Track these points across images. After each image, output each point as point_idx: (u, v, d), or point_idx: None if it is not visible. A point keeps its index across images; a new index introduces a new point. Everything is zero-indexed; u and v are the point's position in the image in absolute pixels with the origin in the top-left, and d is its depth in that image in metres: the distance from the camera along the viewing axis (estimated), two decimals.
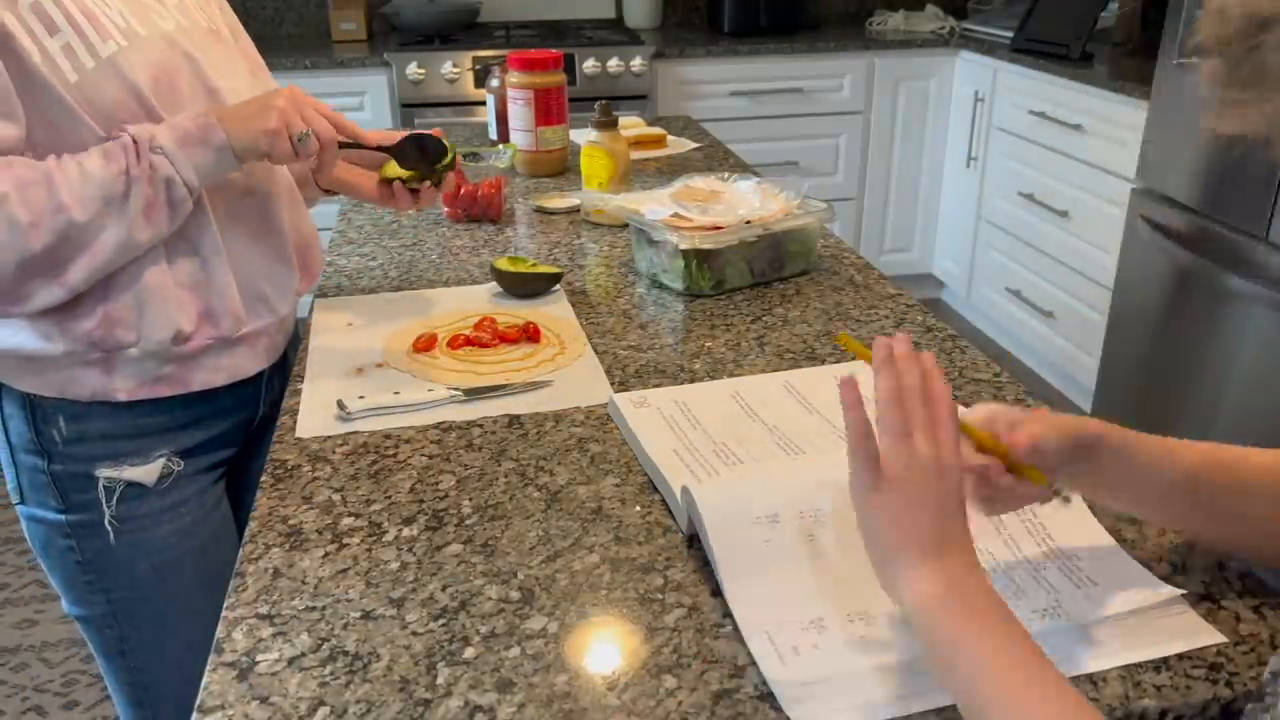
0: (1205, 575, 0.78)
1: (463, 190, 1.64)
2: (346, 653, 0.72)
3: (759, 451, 0.96)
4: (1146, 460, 0.74)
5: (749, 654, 0.71)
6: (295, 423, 1.04)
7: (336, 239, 1.59)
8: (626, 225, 1.50)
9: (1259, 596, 0.76)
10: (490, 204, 1.64)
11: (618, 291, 1.37)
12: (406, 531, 0.86)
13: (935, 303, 3.85)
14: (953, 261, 3.68)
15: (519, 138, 1.90)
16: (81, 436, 1.09)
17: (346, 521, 0.88)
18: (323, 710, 0.67)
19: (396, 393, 1.08)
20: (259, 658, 0.72)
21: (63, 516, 1.11)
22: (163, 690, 1.21)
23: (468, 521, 0.87)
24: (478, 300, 1.34)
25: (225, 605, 0.78)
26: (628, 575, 0.80)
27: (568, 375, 1.13)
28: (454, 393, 1.08)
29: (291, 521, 0.88)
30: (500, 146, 2.02)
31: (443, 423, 1.03)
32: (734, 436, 0.98)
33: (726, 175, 1.50)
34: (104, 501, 1.11)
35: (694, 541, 0.83)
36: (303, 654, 0.72)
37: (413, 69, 3.19)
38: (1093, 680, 0.68)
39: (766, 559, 0.78)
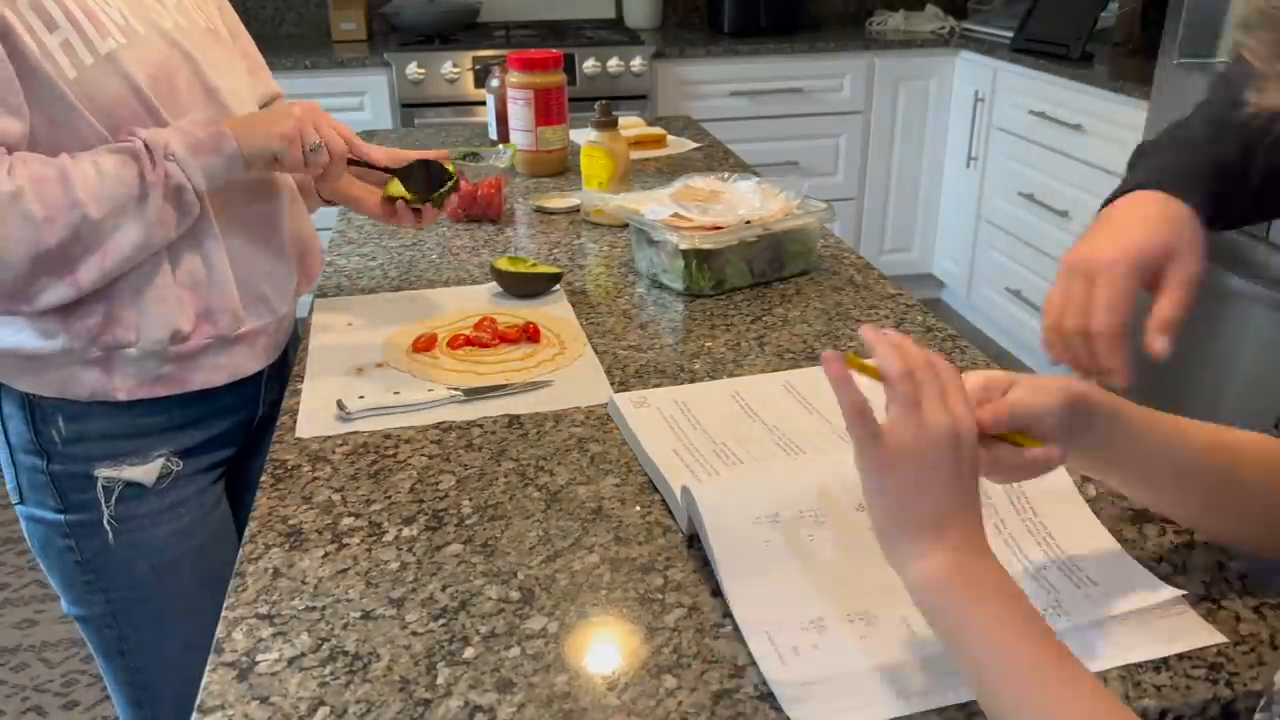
0: (1205, 575, 0.78)
1: (463, 190, 1.64)
2: (346, 653, 0.72)
3: (759, 451, 0.96)
4: (1155, 435, 0.72)
5: (749, 654, 0.71)
6: (295, 423, 1.04)
7: (336, 239, 1.59)
8: (626, 225, 1.50)
9: (1259, 596, 0.76)
10: (490, 204, 1.64)
11: (618, 291, 1.37)
12: (406, 531, 0.86)
13: (935, 303, 3.85)
14: (953, 261, 3.68)
15: (519, 138, 1.90)
16: (80, 436, 1.09)
17: (346, 521, 0.88)
18: (323, 710, 0.67)
19: (396, 393, 1.08)
20: (259, 658, 0.72)
21: (62, 516, 1.11)
22: (162, 690, 1.21)
23: (468, 521, 0.87)
24: (478, 300, 1.34)
25: (225, 605, 0.78)
26: (628, 575, 0.80)
27: (568, 375, 1.13)
28: (454, 393, 1.08)
29: (291, 521, 0.88)
30: (500, 146, 2.02)
31: (443, 423, 1.03)
32: (734, 436, 0.98)
33: (726, 175, 1.50)
34: (103, 501, 1.11)
35: (694, 541, 0.83)
36: (303, 654, 0.72)
37: (413, 69, 3.19)
38: None
39: (766, 559, 0.78)
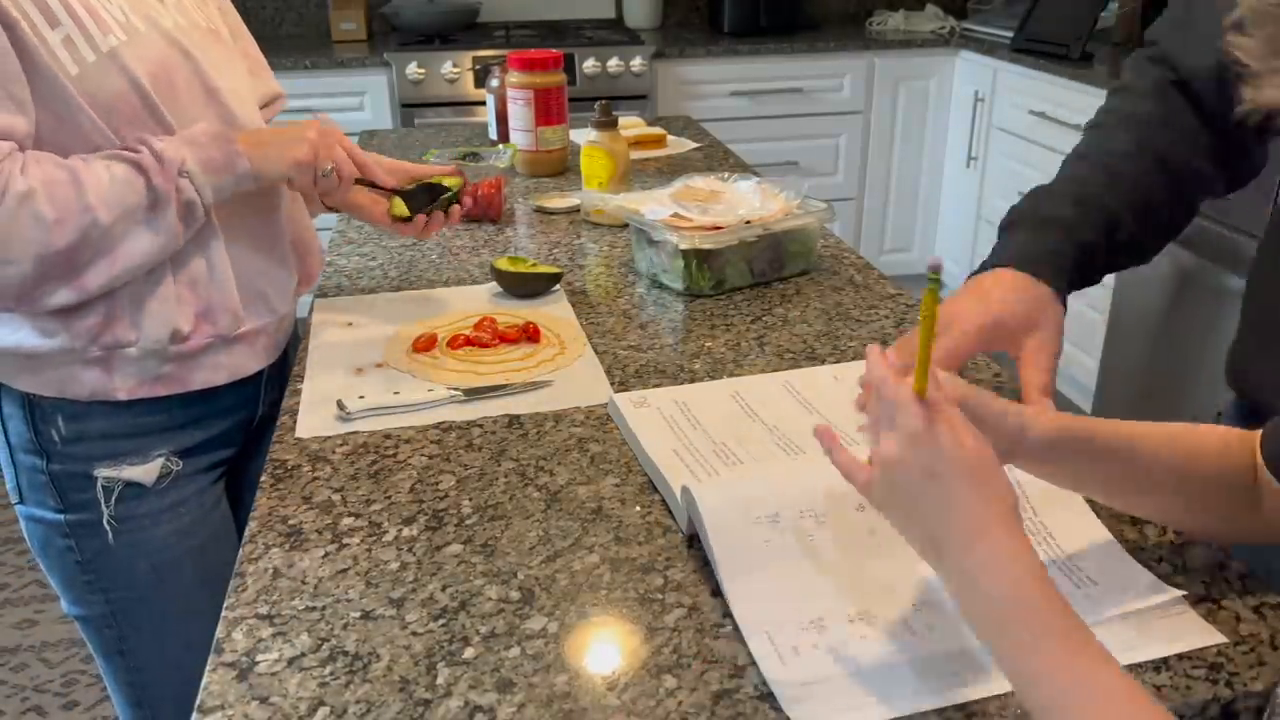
0: (1205, 575, 0.78)
1: (463, 190, 1.64)
2: (346, 653, 0.72)
3: (759, 451, 0.96)
4: (1116, 448, 0.73)
5: (749, 654, 0.71)
6: (295, 423, 1.04)
7: (336, 239, 1.59)
8: (626, 225, 1.50)
9: (1259, 596, 0.76)
10: (490, 204, 1.64)
11: (618, 291, 1.37)
12: (406, 531, 0.86)
13: None
14: (953, 261, 3.68)
15: (519, 138, 1.90)
16: (80, 436, 1.09)
17: (346, 521, 0.88)
18: (323, 710, 0.67)
19: (396, 393, 1.08)
20: (259, 658, 0.72)
21: (61, 516, 1.11)
22: (162, 690, 1.21)
23: (468, 521, 0.87)
24: (478, 300, 1.34)
25: (225, 605, 0.78)
26: (628, 575, 0.80)
27: (568, 375, 1.13)
28: (454, 393, 1.08)
29: (291, 521, 0.88)
30: (500, 146, 2.02)
31: (443, 423, 1.03)
32: (734, 436, 0.98)
33: (726, 175, 1.49)
34: (103, 501, 1.11)
35: (694, 541, 0.83)
36: (303, 654, 0.72)
37: (413, 69, 3.19)
38: None
39: (766, 559, 0.78)
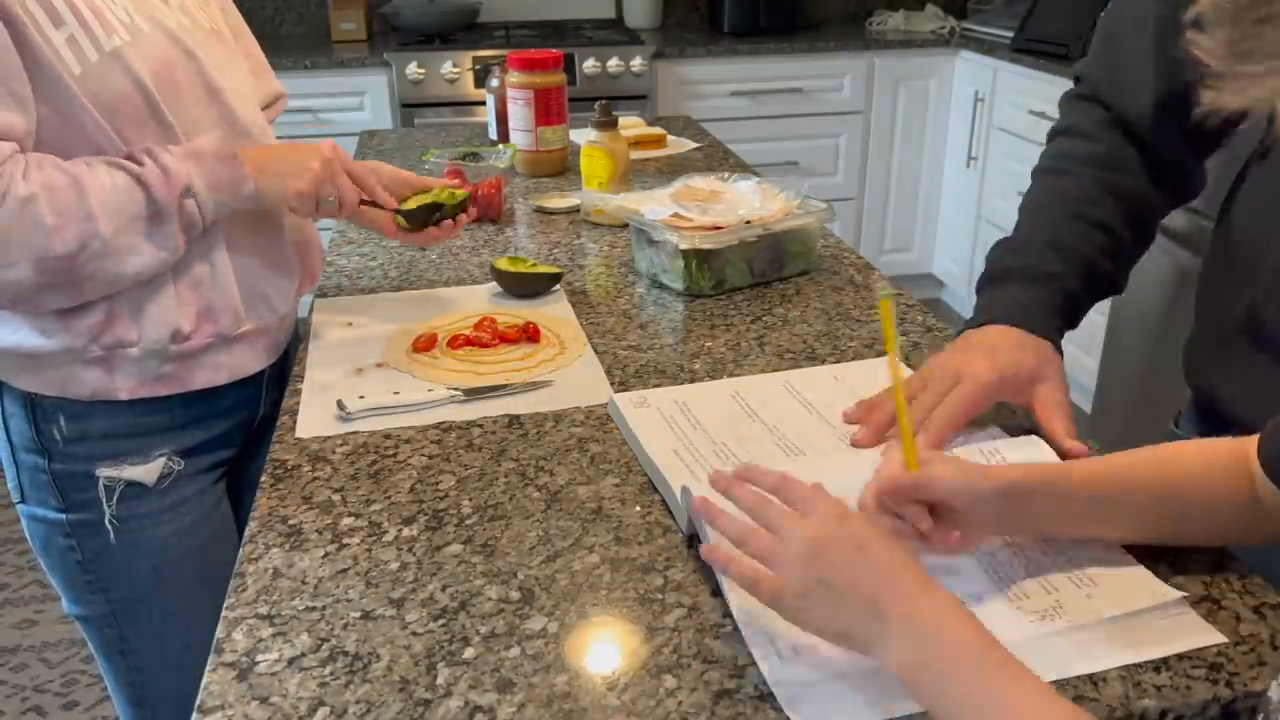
0: (1205, 575, 0.78)
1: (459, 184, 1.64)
2: (346, 653, 0.72)
3: (759, 452, 0.96)
4: (1091, 491, 0.77)
5: (749, 654, 0.71)
6: (295, 423, 1.04)
7: (336, 239, 1.59)
8: (626, 225, 1.50)
9: (1259, 596, 0.76)
10: (490, 204, 1.64)
11: (618, 291, 1.37)
12: (406, 531, 0.86)
13: (935, 303, 3.85)
14: (953, 261, 3.68)
15: (519, 138, 1.90)
16: (82, 435, 1.09)
17: (346, 521, 0.88)
18: (323, 710, 0.67)
19: (396, 393, 1.08)
20: (259, 658, 0.72)
21: (63, 516, 1.12)
22: (162, 690, 1.21)
23: (468, 521, 0.87)
24: (478, 300, 1.34)
25: (225, 605, 0.78)
26: (628, 575, 0.80)
27: (568, 375, 1.13)
28: (454, 393, 1.08)
29: (291, 521, 0.88)
30: (500, 146, 2.02)
31: (443, 423, 1.03)
32: (734, 436, 0.98)
33: (726, 175, 1.49)
34: (104, 501, 1.11)
35: (694, 541, 0.83)
36: (303, 654, 0.72)
37: (413, 69, 3.19)
38: (1093, 680, 0.68)
39: None
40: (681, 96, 3.39)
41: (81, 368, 1.05)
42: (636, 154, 1.97)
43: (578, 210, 1.69)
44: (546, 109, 1.86)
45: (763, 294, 1.35)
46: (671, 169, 1.92)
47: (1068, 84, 1.18)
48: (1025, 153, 3.15)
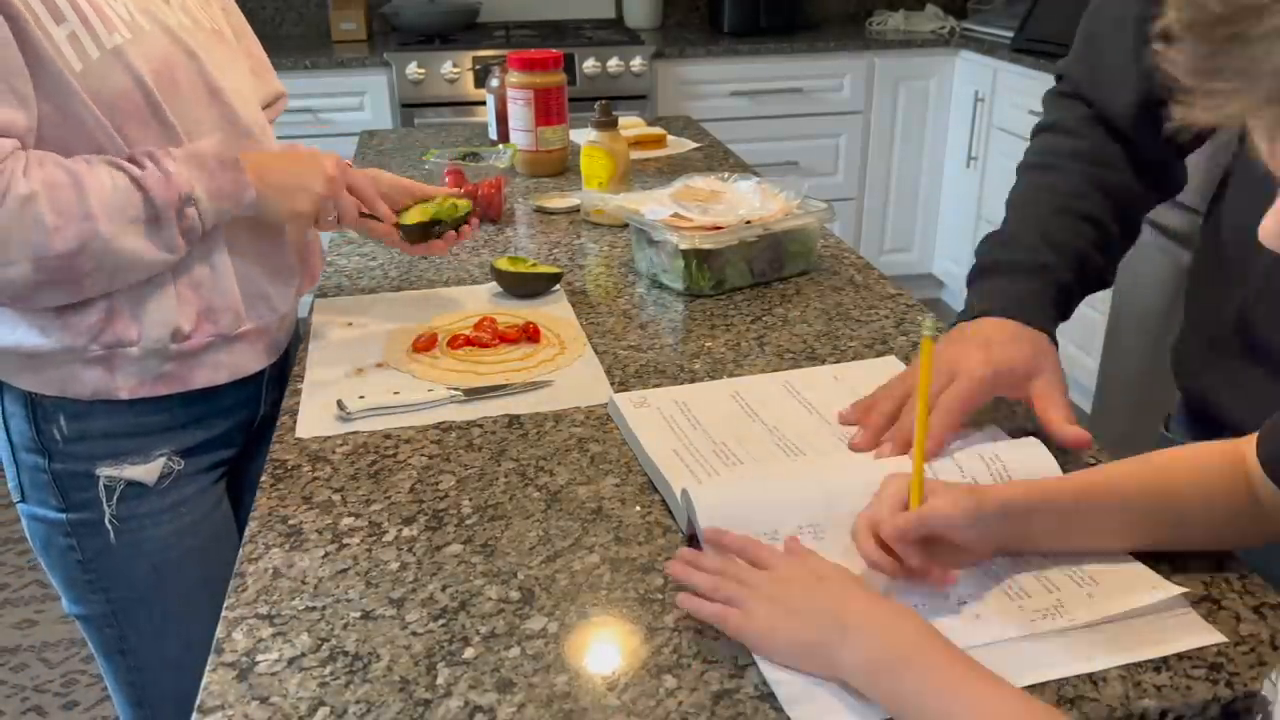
0: (1205, 575, 0.78)
1: (463, 191, 1.64)
2: (346, 653, 0.72)
3: (759, 452, 0.96)
4: (1085, 504, 0.78)
5: (749, 654, 0.71)
6: (295, 423, 1.04)
7: (337, 239, 1.59)
8: (626, 225, 1.50)
9: (1259, 596, 0.76)
10: (490, 204, 1.64)
11: (618, 291, 1.37)
12: (406, 531, 0.86)
13: (935, 303, 3.85)
14: (953, 261, 3.68)
15: (519, 138, 1.89)
16: (82, 435, 1.09)
17: (346, 521, 0.88)
18: (323, 710, 0.67)
19: (396, 393, 1.08)
20: (259, 658, 0.72)
21: (63, 515, 1.12)
22: (162, 690, 1.21)
23: (468, 521, 0.87)
24: (478, 300, 1.34)
25: (225, 605, 0.78)
26: (628, 575, 0.80)
27: (568, 375, 1.13)
28: (454, 393, 1.08)
29: (291, 521, 0.88)
30: (500, 146, 2.02)
31: (443, 423, 1.03)
32: (734, 436, 0.98)
33: (726, 175, 1.49)
34: (104, 500, 1.11)
35: (694, 542, 0.83)
36: (303, 654, 0.72)
37: (413, 69, 3.19)
38: (1093, 680, 0.68)
39: None
40: (681, 96, 3.39)
41: (82, 367, 1.05)
42: (636, 154, 1.97)
43: (578, 210, 1.69)
44: (546, 109, 1.86)
45: (763, 294, 1.35)
46: (671, 169, 1.92)
47: None
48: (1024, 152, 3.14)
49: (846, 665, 0.66)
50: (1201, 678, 0.69)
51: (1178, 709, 0.67)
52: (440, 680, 0.70)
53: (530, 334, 1.21)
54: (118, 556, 1.13)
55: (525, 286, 1.34)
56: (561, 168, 1.93)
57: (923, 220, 3.74)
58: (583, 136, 1.75)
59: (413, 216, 1.24)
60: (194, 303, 1.08)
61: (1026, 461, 0.89)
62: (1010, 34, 3.28)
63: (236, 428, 1.21)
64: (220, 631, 0.75)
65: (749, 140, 3.39)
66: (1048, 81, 1.22)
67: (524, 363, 1.16)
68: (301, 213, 1.11)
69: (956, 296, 3.74)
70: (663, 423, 1.00)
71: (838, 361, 1.15)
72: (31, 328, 1.03)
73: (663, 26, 3.83)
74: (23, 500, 1.13)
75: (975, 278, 1.05)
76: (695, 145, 2.12)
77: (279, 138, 1.22)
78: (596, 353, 1.18)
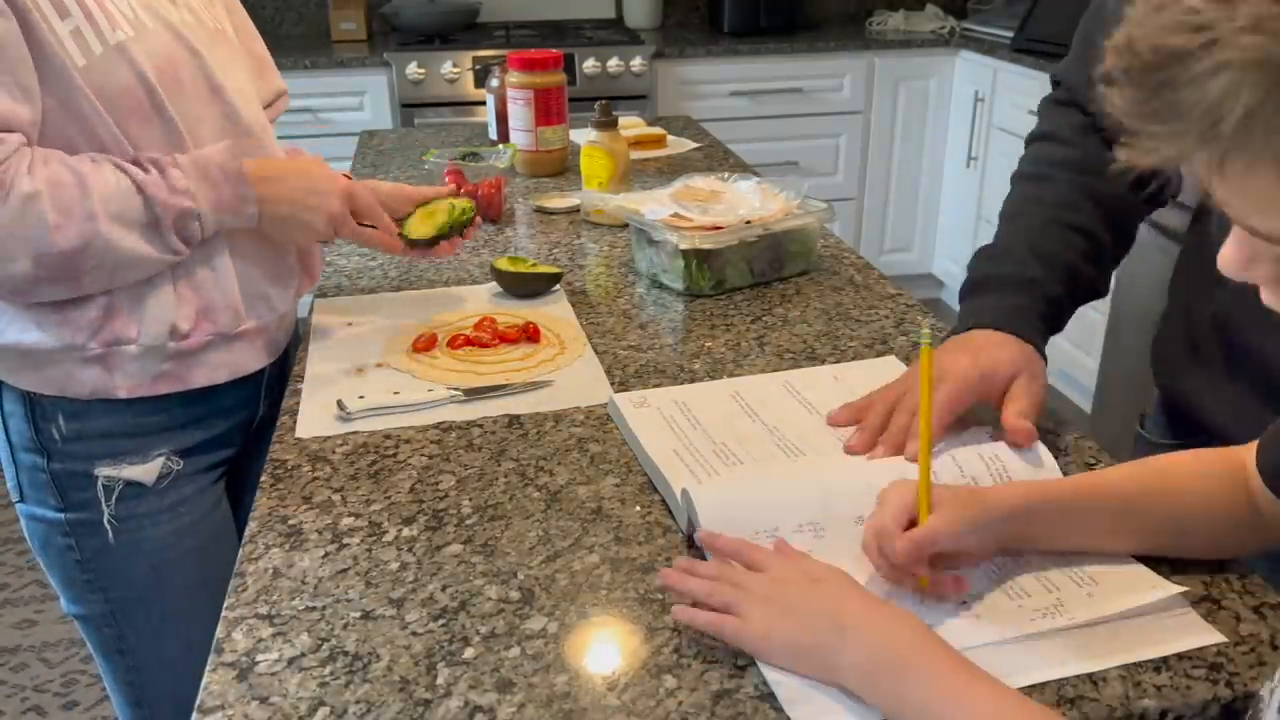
0: (1205, 575, 0.78)
1: (462, 190, 1.64)
2: (346, 653, 0.72)
3: (759, 451, 0.96)
4: (1085, 505, 0.78)
5: (749, 654, 0.71)
6: (295, 423, 1.04)
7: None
8: (626, 225, 1.50)
9: (1259, 596, 0.76)
10: (490, 204, 1.64)
11: (618, 291, 1.37)
12: (406, 531, 0.86)
13: (935, 303, 3.85)
14: (953, 261, 3.68)
15: (519, 138, 1.89)
16: (81, 435, 1.09)
17: (346, 521, 0.88)
18: (323, 710, 0.67)
19: (396, 393, 1.08)
20: (259, 658, 0.72)
21: (62, 515, 1.12)
22: (161, 690, 1.21)
23: (468, 521, 0.87)
24: (478, 300, 1.34)
25: (225, 605, 0.78)
26: (628, 575, 0.80)
27: (568, 375, 1.13)
28: (454, 393, 1.08)
29: (291, 521, 0.88)
30: (500, 146, 2.01)
31: (443, 423, 1.03)
32: (734, 436, 0.98)
33: (726, 175, 1.49)
34: (103, 500, 1.11)
35: (694, 541, 0.83)
36: (303, 654, 0.72)
37: (413, 69, 3.19)
38: (1093, 680, 0.68)
39: None
40: (681, 96, 3.39)
41: (81, 365, 1.05)
42: (636, 154, 1.96)
43: (578, 210, 1.69)
44: (546, 109, 1.86)
45: (763, 294, 1.35)
46: (671, 169, 1.92)
47: None
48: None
49: (844, 667, 0.66)
50: (1201, 678, 0.69)
51: (1178, 709, 0.67)
52: (440, 680, 0.70)
53: (530, 334, 1.21)
54: (116, 556, 1.13)
55: (525, 286, 1.34)
56: (561, 168, 1.93)
57: (923, 220, 3.74)
58: (583, 136, 1.75)
59: (419, 229, 1.23)
60: (193, 301, 1.08)
61: (1026, 461, 0.89)
62: (1010, 34, 3.28)
63: (236, 428, 1.21)
64: (220, 631, 0.75)
65: (749, 140, 3.38)
66: (1047, 81, 1.22)
67: (524, 363, 1.16)
68: (300, 243, 1.13)
69: (956, 296, 3.74)
70: (663, 423, 1.00)
71: (838, 361, 1.15)
72: (30, 324, 1.03)
73: (663, 26, 3.83)
74: (21, 500, 1.13)
75: (966, 293, 1.06)
76: (695, 145, 2.12)
77: (279, 138, 1.22)
78: (596, 353, 1.18)
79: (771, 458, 0.95)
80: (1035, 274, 1.01)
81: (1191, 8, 0.42)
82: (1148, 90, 0.44)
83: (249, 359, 1.16)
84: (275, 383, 1.23)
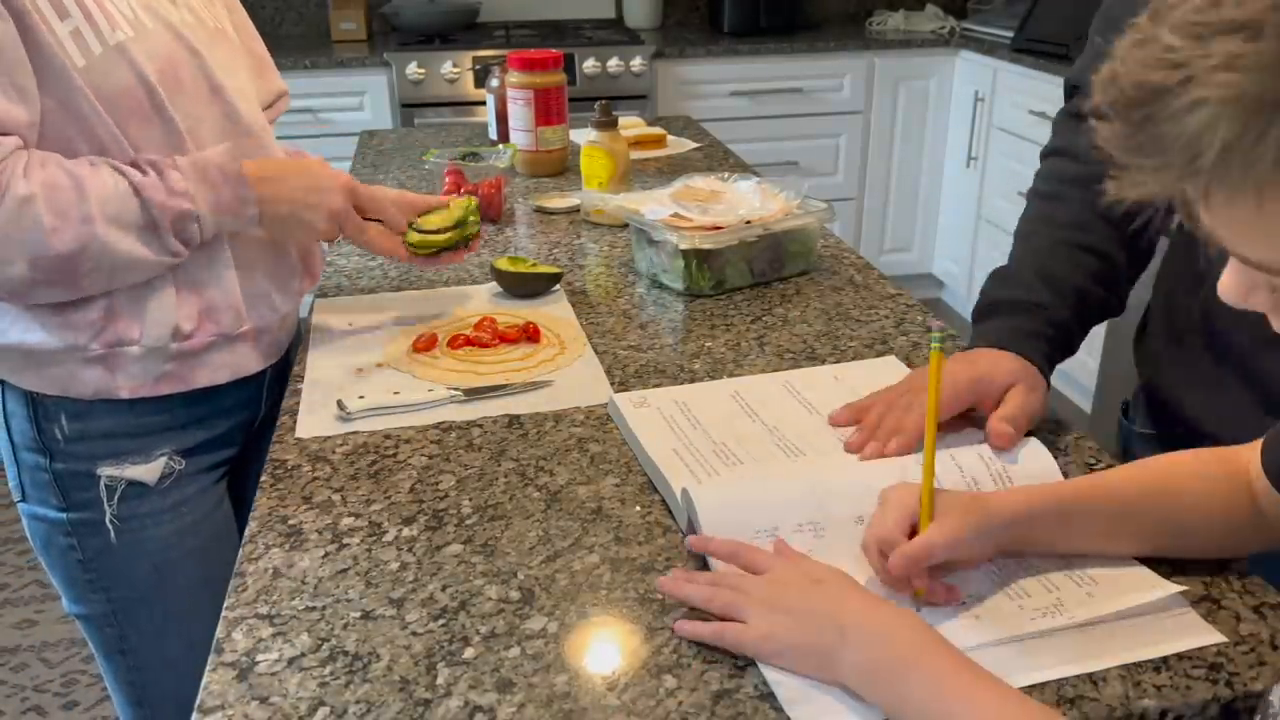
0: (1205, 575, 0.78)
1: (463, 190, 1.64)
2: (346, 653, 0.72)
3: (759, 451, 0.96)
4: (1089, 509, 0.78)
5: (750, 655, 0.71)
6: (295, 423, 1.04)
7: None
8: (626, 225, 1.50)
9: (1259, 596, 0.76)
10: (490, 204, 1.64)
11: (618, 291, 1.37)
12: (406, 531, 0.86)
13: (935, 303, 3.85)
14: (953, 261, 3.68)
15: (519, 138, 1.89)
16: (83, 434, 1.09)
17: (346, 521, 0.88)
18: (323, 710, 0.67)
19: (396, 393, 1.08)
20: (259, 658, 0.72)
21: (64, 515, 1.12)
22: (163, 690, 1.22)
23: (468, 521, 0.87)
24: (478, 300, 1.34)
25: (225, 605, 0.78)
26: (628, 575, 0.80)
27: (568, 375, 1.13)
28: (454, 393, 1.08)
29: (291, 521, 0.88)
30: (500, 146, 2.01)
31: (443, 423, 1.03)
32: (734, 436, 0.98)
33: (726, 175, 1.49)
34: (105, 500, 1.11)
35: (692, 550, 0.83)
36: (303, 654, 0.72)
37: (413, 69, 3.19)
38: (1093, 680, 0.68)
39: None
40: (681, 96, 3.39)
41: (82, 366, 1.05)
42: (636, 154, 1.96)
43: (578, 210, 1.69)
44: (546, 109, 1.86)
45: (763, 294, 1.35)
46: (671, 169, 1.92)
47: None
48: (1025, 153, 3.15)
49: (845, 667, 0.67)
50: (1201, 678, 0.69)
51: (1178, 709, 0.67)
52: (440, 680, 0.70)
53: (530, 334, 1.21)
54: (118, 556, 1.13)
55: (525, 286, 1.34)
56: (561, 168, 1.93)
57: (923, 220, 3.74)
58: (583, 136, 1.75)
59: (422, 234, 1.24)
60: (195, 302, 1.08)
61: (1025, 461, 0.89)
62: (1010, 34, 3.28)
63: (237, 427, 1.21)
64: (220, 631, 0.75)
65: (749, 140, 3.38)
66: (1048, 81, 1.22)
67: (524, 363, 1.16)
68: (300, 241, 1.12)
69: (956, 296, 3.75)
70: (663, 423, 1.00)
71: (838, 361, 1.15)
72: (33, 325, 1.03)
73: (663, 26, 3.83)
74: (23, 500, 1.13)
75: (976, 318, 1.06)
76: (695, 145, 2.12)
77: (279, 138, 1.22)
78: (596, 353, 1.18)
79: (771, 458, 0.95)
80: (1042, 299, 1.01)
81: (1169, 45, 0.43)
82: (1132, 125, 0.45)
83: (251, 360, 1.16)
84: (276, 383, 1.23)
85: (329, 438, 1.01)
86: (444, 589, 0.79)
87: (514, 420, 1.04)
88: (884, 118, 3.56)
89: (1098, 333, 2.71)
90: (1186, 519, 0.78)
